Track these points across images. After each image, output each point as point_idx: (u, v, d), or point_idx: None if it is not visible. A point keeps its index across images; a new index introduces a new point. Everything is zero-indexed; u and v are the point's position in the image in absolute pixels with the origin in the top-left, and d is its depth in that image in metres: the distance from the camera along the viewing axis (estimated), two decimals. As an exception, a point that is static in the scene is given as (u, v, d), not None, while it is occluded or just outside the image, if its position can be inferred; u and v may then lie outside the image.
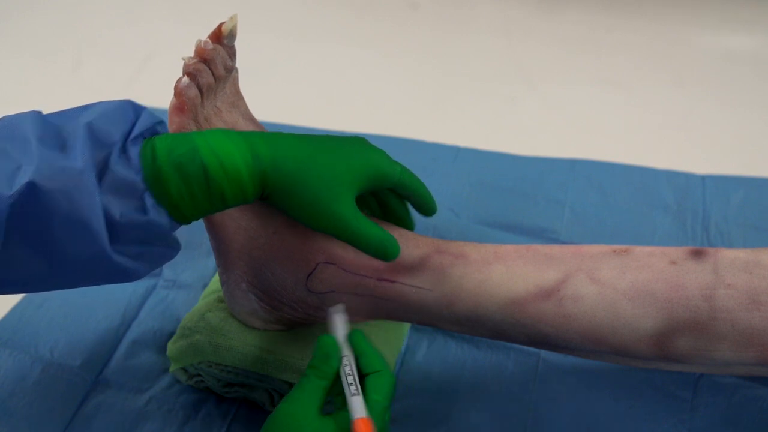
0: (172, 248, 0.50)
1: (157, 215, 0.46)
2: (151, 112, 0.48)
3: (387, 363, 0.51)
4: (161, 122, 0.49)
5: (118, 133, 0.46)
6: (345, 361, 0.50)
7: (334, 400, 0.50)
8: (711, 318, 0.50)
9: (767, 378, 0.62)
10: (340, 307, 0.53)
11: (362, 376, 0.50)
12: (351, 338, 0.51)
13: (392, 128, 0.89)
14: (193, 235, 0.75)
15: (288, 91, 1.03)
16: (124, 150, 0.45)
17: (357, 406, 0.47)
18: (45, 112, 0.47)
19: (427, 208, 0.58)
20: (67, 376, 0.64)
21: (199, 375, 0.62)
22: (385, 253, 0.52)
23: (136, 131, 0.46)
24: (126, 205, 0.44)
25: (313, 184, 0.49)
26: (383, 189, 0.55)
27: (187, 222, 0.48)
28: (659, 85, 1.04)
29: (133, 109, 0.48)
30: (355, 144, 0.52)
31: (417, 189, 0.56)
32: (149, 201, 0.45)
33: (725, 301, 0.50)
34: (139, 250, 0.46)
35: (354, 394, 0.48)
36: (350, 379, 0.49)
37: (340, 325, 0.52)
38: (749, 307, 0.50)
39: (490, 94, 1.03)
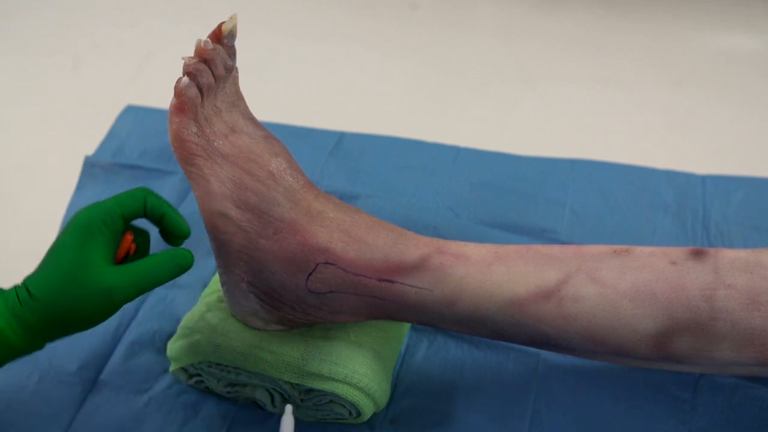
0: None
1: None
2: None
3: None
4: None
5: None
6: None
7: None
8: (711, 318, 0.50)
9: (767, 378, 0.62)
10: (289, 408, 0.54)
11: None
12: None
13: (392, 128, 0.89)
14: (193, 235, 0.74)
15: (288, 91, 1.03)
16: None
17: None
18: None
19: (178, 233, 0.54)
20: (65, 380, 0.64)
21: (199, 375, 0.62)
22: (181, 268, 0.51)
23: None
24: None
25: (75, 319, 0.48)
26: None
27: None
28: (659, 85, 1.04)
29: None
30: (72, 227, 0.49)
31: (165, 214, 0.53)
32: None
33: (725, 301, 0.50)
34: None
35: None
36: None
37: (287, 428, 0.52)
38: (749, 307, 0.50)
39: (490, 94, 1.03)
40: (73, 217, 0.50)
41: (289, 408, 0.54)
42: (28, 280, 0.49)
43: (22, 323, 0.48)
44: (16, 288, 0.49)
